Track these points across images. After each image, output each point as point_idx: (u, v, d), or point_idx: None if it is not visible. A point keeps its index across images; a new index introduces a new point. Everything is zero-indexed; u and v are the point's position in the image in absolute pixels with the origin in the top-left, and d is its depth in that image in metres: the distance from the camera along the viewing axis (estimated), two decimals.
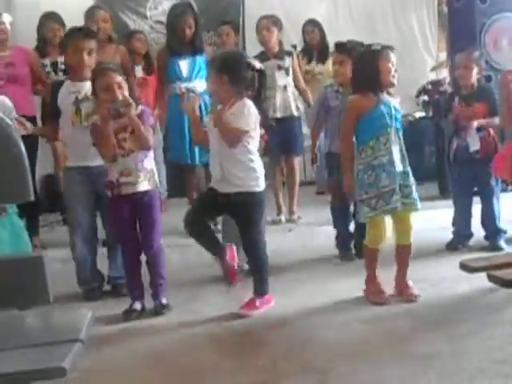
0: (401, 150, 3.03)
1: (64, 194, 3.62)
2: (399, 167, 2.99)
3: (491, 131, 3.86)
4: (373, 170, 2.99)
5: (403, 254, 3.11)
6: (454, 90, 4.02)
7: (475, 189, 3.93)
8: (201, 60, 4.76)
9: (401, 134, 3.06)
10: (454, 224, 3.97)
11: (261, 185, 3.05)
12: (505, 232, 3.86)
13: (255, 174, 3.03)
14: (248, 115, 2.97)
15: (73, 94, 3.43)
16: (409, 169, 3.04)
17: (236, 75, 2.99)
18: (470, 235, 3.95)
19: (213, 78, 3.03)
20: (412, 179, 3.04)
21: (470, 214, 3.92)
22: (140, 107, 3.18)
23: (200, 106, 4.28)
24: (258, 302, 3.05)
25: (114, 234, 3.45)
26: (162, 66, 4.82)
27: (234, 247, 3.12)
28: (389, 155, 2.98)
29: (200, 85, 4.70)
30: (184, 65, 4.72)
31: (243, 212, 3.01)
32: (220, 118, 2.96)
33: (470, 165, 3.85)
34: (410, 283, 3.09)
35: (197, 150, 4.64)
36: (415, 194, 3.03)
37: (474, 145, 3.83)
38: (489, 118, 3.84)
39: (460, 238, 3.92)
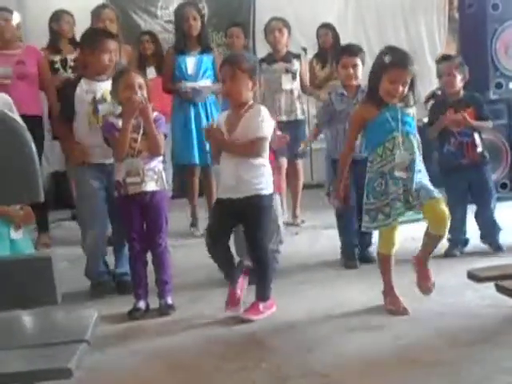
0: (411, 154, 2.92)
1: (78, 190, 3.63)
2: (399, 173, 2.89)
3: (476, 138, 3.89)
4: (382, 177, 2.93)
5: (430, 241, 2.95)
6: (443, 98, 4.04)
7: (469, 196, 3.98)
8: (208, 60, 4.75)
9: (412, 137, 2.96)
10: (448, 232, 3.97)
11: (270, 188, 3.06)
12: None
13: (265, 178, 3.04)
14: (264, 121, 2.99)
15: (90, 93, 3.45)
16: (415, 175, 2.90)
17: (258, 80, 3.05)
18: (467, 241, 3.98)
19: (245, 82, 2.96)
20: (418, 181, 2.89)
21: (466, 220, 3.96)
22: (155, 113, 3.21)
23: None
24: (261, 307, 3.04)
25: (120, 231, 3.47)
26: (169, 66, 4.81)
27: (245, 279, 3.14)
28: (393, 161, 2.91)
29: (205, 84, 4.71)
30: (190, 63, 4.72)
31: (251, 215, 3.00)
32: (226, 145, 2.97)
33: (461, 172, 3.89)
34: (431, 273, 2.99)
35: (199, 150, 4.68)
36: (421, 193, 2.86)
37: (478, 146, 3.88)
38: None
39: (457, 245, 3.94)
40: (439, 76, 4.09)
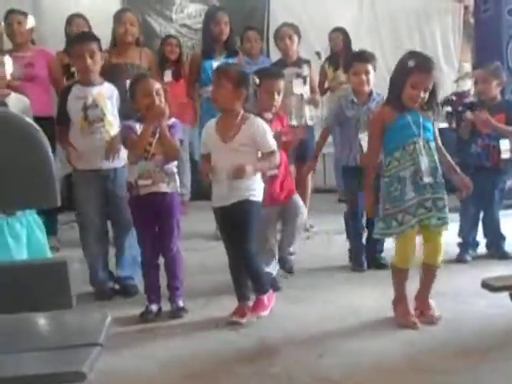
0: (433, 161, 2.89)
1: (75, 196, 3.65)
2: (428, 179, 2.85)
3: (503, 144, 3.91)
4: (399, 182, 2.87)
5: (428, 274, 2.97)
6: (479, 101, 4.05)
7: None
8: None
9: (432, 144, 2.93)
10: (459, 235, 3.99)
11: (260, 195, 3.08)
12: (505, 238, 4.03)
13: (256, 185, 3.07)
14: (268, 133, 3.05)
15: (81, 99, 3.46)
16: (442, 180, 2.90)
17: (249, 92, 3.05)
18: (477, 244, 4.01)
19: (228, 90, 2.99)
20: (444, 191, 2.90)
21: (478, 223, 4.00)
22: (172, 120, 3.23)
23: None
24: (265, 300, 3.07)
25: (121, 234, 3.52)
26: (195, 70, 4.85)
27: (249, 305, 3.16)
28: (416, 166, 2.85)
29: None
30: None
31: (241, 219, 3.02)
32: (259, 169, 3.03)
33: (482, 174, 3.89)
34: (432, 304, 2.98)
35: None
36: (447, 209, 2.89)
37: (506, 152, 3.91)
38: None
39: (467, 249, 3.95)
40: (475, 83, 4.12)
